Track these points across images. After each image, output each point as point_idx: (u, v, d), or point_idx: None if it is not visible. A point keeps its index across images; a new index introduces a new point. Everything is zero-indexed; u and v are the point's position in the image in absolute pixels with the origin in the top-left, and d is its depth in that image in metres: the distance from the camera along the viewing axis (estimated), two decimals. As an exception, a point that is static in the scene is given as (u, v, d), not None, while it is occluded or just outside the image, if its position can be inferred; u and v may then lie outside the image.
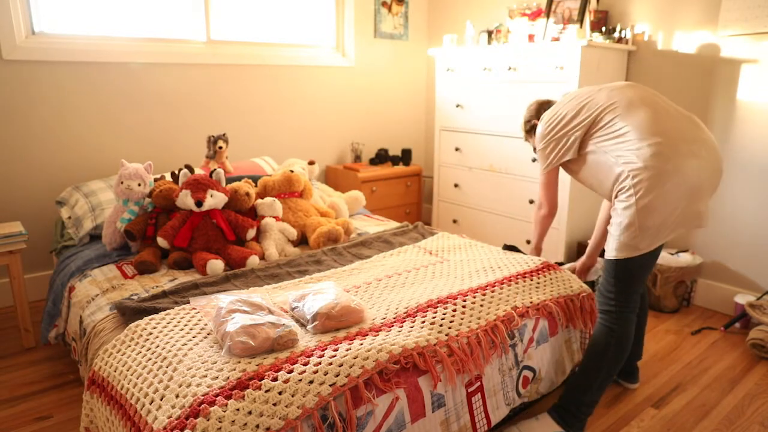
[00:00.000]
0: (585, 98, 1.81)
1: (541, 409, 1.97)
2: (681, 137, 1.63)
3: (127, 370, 1.42)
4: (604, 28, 3.03)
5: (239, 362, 1.36)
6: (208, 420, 1.16)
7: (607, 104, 1.74)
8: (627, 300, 1.74)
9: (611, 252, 1.71)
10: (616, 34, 2.95)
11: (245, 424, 1.17)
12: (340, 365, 1.36)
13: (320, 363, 1.36)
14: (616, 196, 1.69)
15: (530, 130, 2.12)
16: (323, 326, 1.54)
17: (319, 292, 1.67)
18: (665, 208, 1.60)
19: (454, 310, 1.70)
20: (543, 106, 2.08)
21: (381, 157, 3.94)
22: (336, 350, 1.43)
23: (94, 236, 2.46)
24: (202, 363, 1.37)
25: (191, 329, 1.56)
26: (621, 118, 1.70)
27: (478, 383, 1.58)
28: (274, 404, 1.23)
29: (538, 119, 2.04)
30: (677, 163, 1.59)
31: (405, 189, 3.93)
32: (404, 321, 1.62)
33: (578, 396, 1.76)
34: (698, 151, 1.62)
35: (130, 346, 1.52)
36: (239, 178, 2.74)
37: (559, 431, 1.77)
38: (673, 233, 1.66)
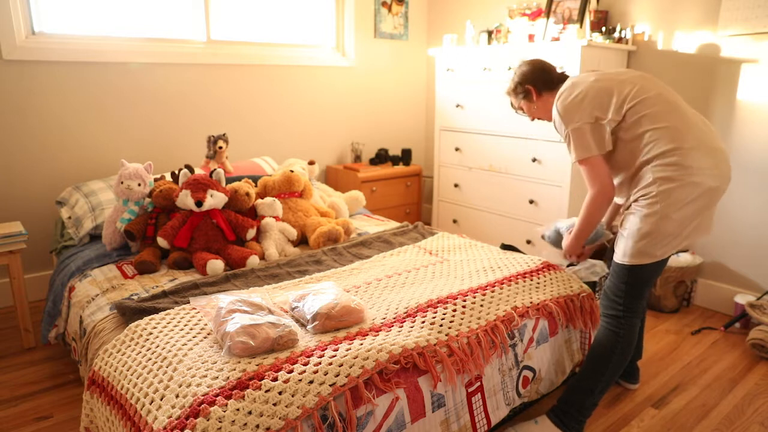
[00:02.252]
0: (608, 84, 1.68)
1: (540, 409, 1.97)
2: (706, 148, 1.61)
3: (127, 370, 1.42)
4: (604, 28, 3.02)
5: (239, 362, 1.35)
6: (208, 420, 1.16)
7: (634, 101, 1.64)
8: (634, 305, 1.73)
9: (624, 257, 1.68)
10: (616, 34, 2.95)
11: (245, 424, 1.17)
12: (340, 365, 1.36)
13: (320, 363, 1.36)
14: (636, 200, 1.66)
15: (521, 93, 1.91)
16: (323, 326, 1.54)
17: (319, 292, 1.67)
18: (687, 217, 1.60)
19: (454, 310, 1.70)
20: (544, 72, 1.86)
21: (381, 157, 3.94)
22: (336, 350, 1.43)
23: (94, 236, 2.46)
24: (202, 363, 1.37)
25: (191, 329, 1.56)
26: (648, 120, 1.62)
27: (478, 383, 1.58)
28: (274, 404, 1.23)
29: (533, 85, 1.87)
30: (703, 177, 1.58)
31: (405, 189, 3.93)
32: (404, 321, 1.62)
33: (580, 399, 1.76)
34: (719, 162, 1.62)
35: (130, 346, 1.52)
36: (239, 178, 2.74)
37: (559, 433, 1.76)
38: (687, 240, 1.65)
